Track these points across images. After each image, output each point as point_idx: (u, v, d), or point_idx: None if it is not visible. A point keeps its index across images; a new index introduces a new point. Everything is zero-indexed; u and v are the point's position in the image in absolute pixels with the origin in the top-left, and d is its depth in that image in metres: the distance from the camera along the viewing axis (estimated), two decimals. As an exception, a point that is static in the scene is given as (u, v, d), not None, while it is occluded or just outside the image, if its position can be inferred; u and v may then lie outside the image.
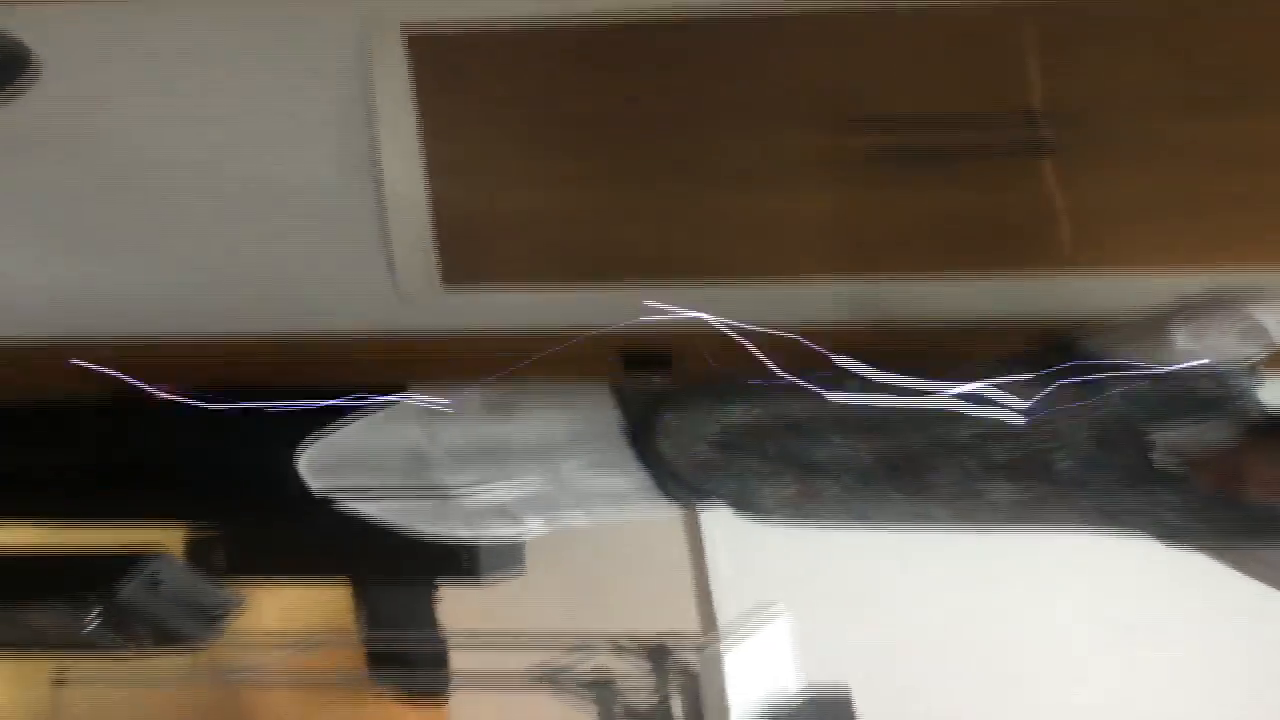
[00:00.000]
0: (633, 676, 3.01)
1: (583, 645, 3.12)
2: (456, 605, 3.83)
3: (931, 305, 1.66)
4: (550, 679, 2.97)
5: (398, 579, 3.55)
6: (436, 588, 3.79)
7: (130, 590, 2.17)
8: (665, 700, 2.98)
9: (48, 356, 2.03)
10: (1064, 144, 1.58)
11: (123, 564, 2.17)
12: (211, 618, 2.35)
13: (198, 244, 2.03)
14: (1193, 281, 1.69)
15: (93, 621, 2.19)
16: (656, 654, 3.02)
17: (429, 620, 3.85)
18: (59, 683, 3.00)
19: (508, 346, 1.77)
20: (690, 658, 2.91)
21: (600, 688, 2.96)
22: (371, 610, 3.78)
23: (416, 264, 1.78)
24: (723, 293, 1.74)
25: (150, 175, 2.05)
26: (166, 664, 3.08)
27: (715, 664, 2.80)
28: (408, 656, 3.87)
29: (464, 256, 1.77)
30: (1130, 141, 1.60)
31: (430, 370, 1.86)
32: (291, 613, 3.56)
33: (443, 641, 3.82)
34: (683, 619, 3.03)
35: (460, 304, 1.80)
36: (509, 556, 3.09)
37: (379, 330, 1.89)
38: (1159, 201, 1.61)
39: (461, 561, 2.92)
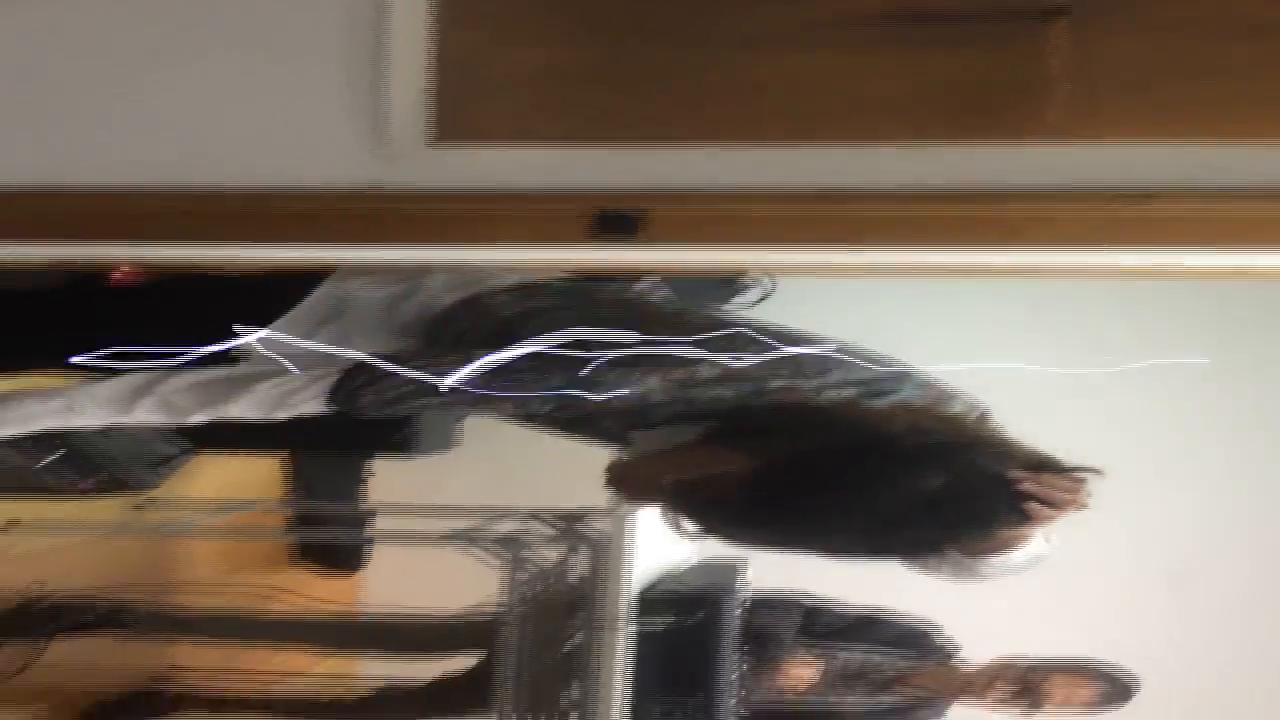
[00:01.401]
0: (543, 539, 3.04)
1: (499, 514, 3.11)
2: (384, 478, 3.86)
3: (931, 173, 1.66)
4: (462, 538, 2.98)
5: (334, 451, 3.54)
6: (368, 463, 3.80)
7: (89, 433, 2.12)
8: (569, 559, 3.02)
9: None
10: (1079, 7, 1.58)
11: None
12: (158, 466, 2.32)
13: (168, 76, 1.84)
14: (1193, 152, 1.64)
15: (48, 461, 2.15)
16: (568, 521, 3.05)
17: (355, 493, 3.84)
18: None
19: (494, 206, 1.74)
20: (600, 525, 2.94)
21: (510, 546, 2.97)
22: (303, 480, 3.76)
23: (407, 118, 1.72)
24: (718, 156, 1.71)
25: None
26: (104, 514, 3.06)
27: (621, 530, 2.84)
28: (328, 527, 3.85)
29: (457, 112, 1.71)
30: (1149, 5, 1.59)
31: (413, 230, 1.82)
32: (227, 475, 3.52)
33: (364, 513, 3.82)
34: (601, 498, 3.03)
35: (448, 161, 1.74)
36: (442, 434, 3.10)
37: (360, 186, 1.78)
38: (1175, 69, 1.60)
39: (395, 437, 2.93)
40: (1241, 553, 4.17)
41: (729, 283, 3.34)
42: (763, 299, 3.30)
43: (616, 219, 1.70)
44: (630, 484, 2.03)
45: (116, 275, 2.94)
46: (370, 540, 4.01)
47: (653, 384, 1.81)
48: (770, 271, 3.16)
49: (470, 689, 3.26)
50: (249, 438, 2.72)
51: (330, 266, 2.01)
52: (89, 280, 2.95)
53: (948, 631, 3.26)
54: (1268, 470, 4.16)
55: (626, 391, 1.81)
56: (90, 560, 3.20)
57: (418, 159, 1.75)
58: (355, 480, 3.80)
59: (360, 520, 3.85)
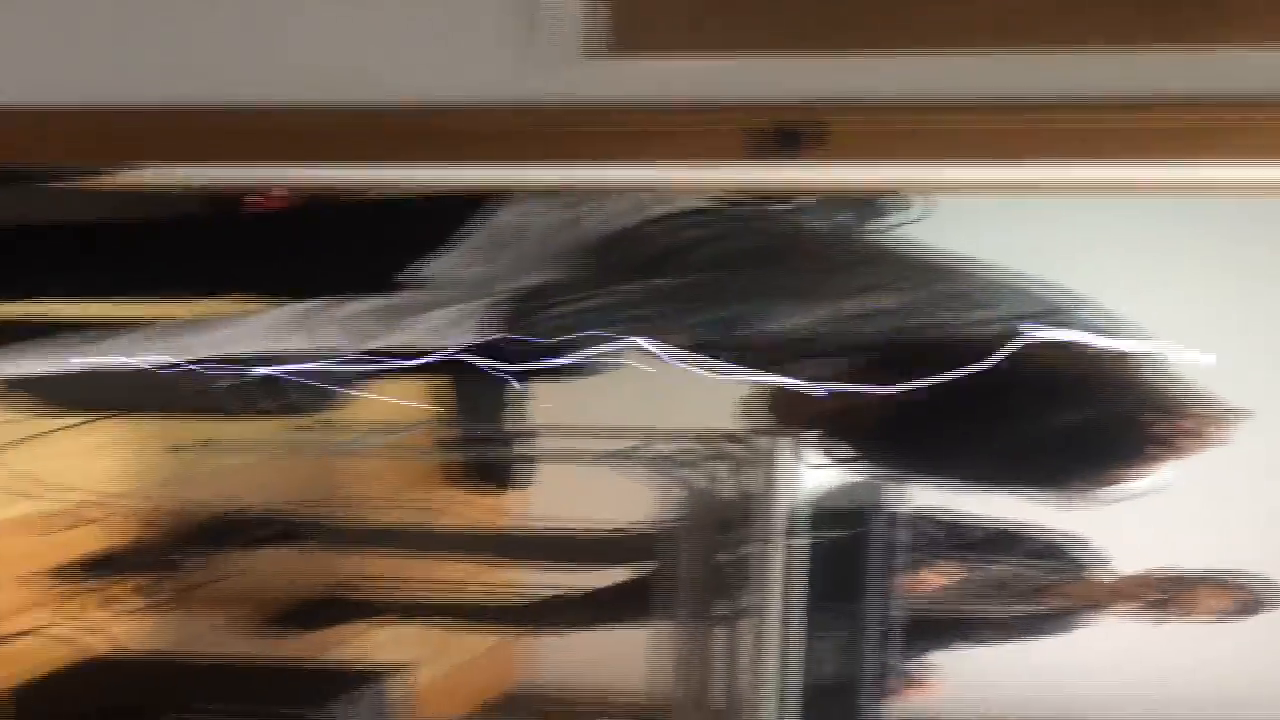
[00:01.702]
0: (701, 458, 3.06)
1: (657, 435, 3.16)
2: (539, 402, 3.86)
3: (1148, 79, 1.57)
4: (624, 457, 3.01)
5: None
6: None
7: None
8: (728, 477, 3.04)
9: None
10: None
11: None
12: (345, 383, 2.36)
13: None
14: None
15: (234, 383, 2.20)
16: (726, 441, 3.07)
17: (512, 415, 3.89)
18: (176, 449, 3.07)
19: (654, 121, 1.71)
20: (758, 446, 2.96)
21: (669, 465, 3.01)
22: (462, 402, 3.82)
23: (566, 29, 1.64)
24: (896, 63, 1.63)
25: None
26: (280, 435, 3.16)
27: (782, 450, 2.86)
28: (488, 447, 3.92)
29: (620, 21, 1.62)
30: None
31: (573, 148, 1.78)
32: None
33: (523, 434, 3.88)
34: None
35: (609, 73, 1.65)
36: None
37: (516, 101, 1.70)
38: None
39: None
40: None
41: (874, 204, 3.28)
42: (914, 221, 3.24)
43: (785, 135, 1.67)
44: (786, 412, 2.00)
45: (259, 201, 3.00)
46: (533, 460, 4.06)
47: (816, 316, 1.77)
48: (936, 190, 3.10)
49: (636, 598, 3.34)
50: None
51: (490, 190, 1.99)
52: (231, 206, 3.03)
53: (1093, 544, 3.28)
54: None
55: (789, 324, 1.78)
56: (270, 479, 3.32)
57: (579, 71, 1.67)
58: (511, 403, 3.85)
59: (518, 440, 3.92)
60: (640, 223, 1.92)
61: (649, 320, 1.76)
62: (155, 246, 2.06)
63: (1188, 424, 1.80)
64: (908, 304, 1.77)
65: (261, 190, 2.92)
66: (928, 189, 2.92)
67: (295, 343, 1.87)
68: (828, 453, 2.05)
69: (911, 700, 3.23)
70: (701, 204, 1.94)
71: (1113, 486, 1.92)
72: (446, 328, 1.83)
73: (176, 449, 3.07)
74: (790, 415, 2.03)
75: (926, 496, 3.14)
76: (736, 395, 2.42)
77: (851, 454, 2.01)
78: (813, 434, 2.05)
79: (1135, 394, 1.82)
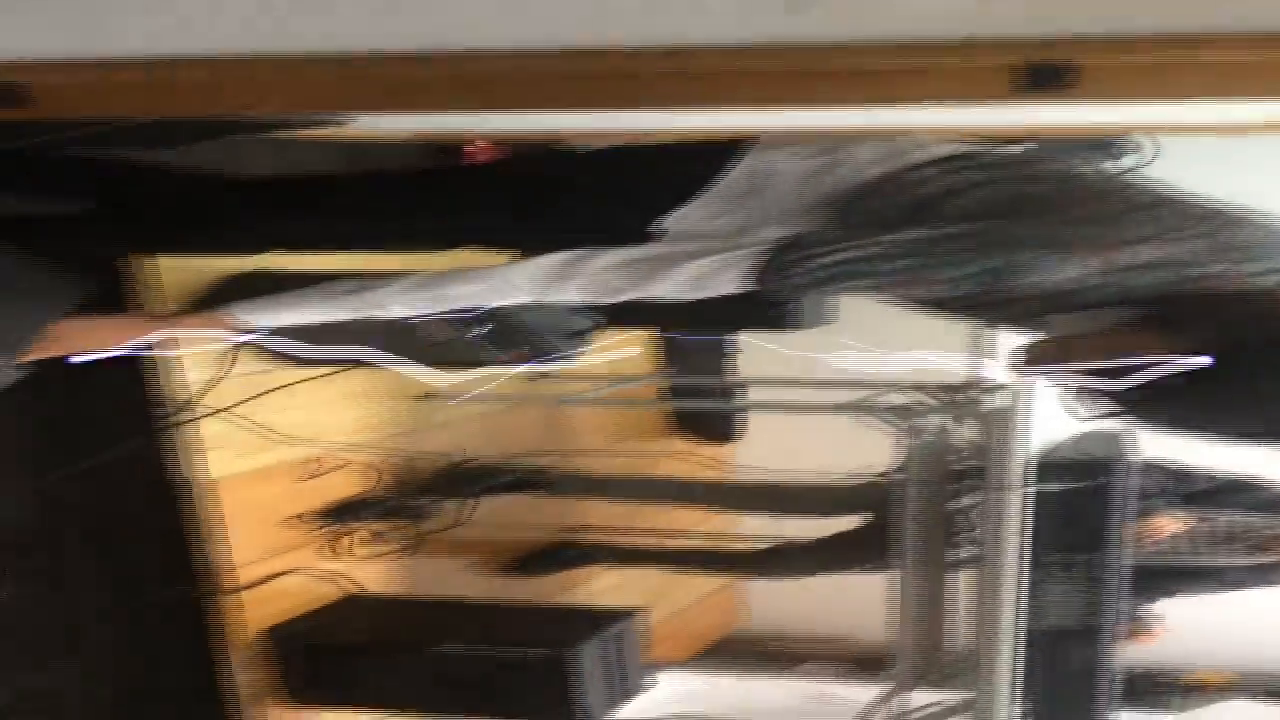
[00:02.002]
0: (928, 410, 2.99)
1: (879, 386, 3.09)
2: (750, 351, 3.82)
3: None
4: (855, 408, 2.95)
5: (717, 327, 3.53)
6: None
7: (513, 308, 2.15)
8: (956, 428, 2.96)
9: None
10: None
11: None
12: (579, 336, 2.35)
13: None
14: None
15: (477, 334, 2.20)
16: (952, 393, 2.99)
17: (724, 366, 3.84)
18: (425, 397, 3.11)
19: (906, 58, 1.62)
20: (988, 397, 2.87)
21: (901, 415, 2.93)
22: (676, 354, 3.79)
23: None
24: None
25: None
26: (510, 385, 3.18)
27: (1018, 401, 2.80)
28: (707, 399, 3.87)
29: None
30: None
31: (824, 88, 1.70)
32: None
33: (739, 385, 3.83)
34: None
35: (858, 9, 1.57)
36: (820, 310, 3.04)
37: (765, 41, 1.61)
38: None
39: (776, 313, 2.88)
40: None
41: (1104, 146, 3.11)
42: (1147, 164, 3.07)
43: (1040, 71, 1.57)
44: (1045, 365, 1.88)
45: (474, 151, 2.98)
46: (748, 410, 4.01)
47: (1088, 267, 1.65)
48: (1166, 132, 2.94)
49: (865, 546, 3.32)
50: (647, 314, 2.72)
51: (739, 137, 1.90)
52: (454, 156, 3.01)
53: None
54: None
55: (1057, 276, 1.66)
56: (500, 428, 3.35)
57: (827, 7, 1.57)
58: (724, 354, 3.80)
59: (734, 392, 3.86)
60: (898, 169, 1.80)
61: (909, 273, 1.67)
62: (392, 197, 2.03)
63: None
64: (1187, 255, 1.64)
65: (471, 141, 2.91)
66: (1181, 129, 2.76)
67: (553, 294, 1.82)
68: (1082, 407, 1.93)
69: (1137, 646, 3.20)
70: (962, 149, 1.82)
71: None
72: (705, 279, 1.76)
73: (414, 399, 3.11)
74: (1045, 363, 1.91)
75: (1156, 446, 3.03)
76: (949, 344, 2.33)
77: (1119, 407, 1.89)
78: (1081, 386, 1.93)
79: None
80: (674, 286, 1.77)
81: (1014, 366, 1.88)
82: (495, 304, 1.89)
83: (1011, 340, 1.87)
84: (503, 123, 1.99)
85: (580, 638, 2.73)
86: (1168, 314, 1.67)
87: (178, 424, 2.45)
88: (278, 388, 2.49)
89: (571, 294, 1.81)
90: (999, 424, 2.86)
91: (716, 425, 4.03)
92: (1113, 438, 2.94)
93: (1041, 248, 1.63)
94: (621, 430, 3.92)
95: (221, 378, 2.19)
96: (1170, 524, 3.07)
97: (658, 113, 1.97)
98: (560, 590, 3.76)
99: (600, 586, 3.88)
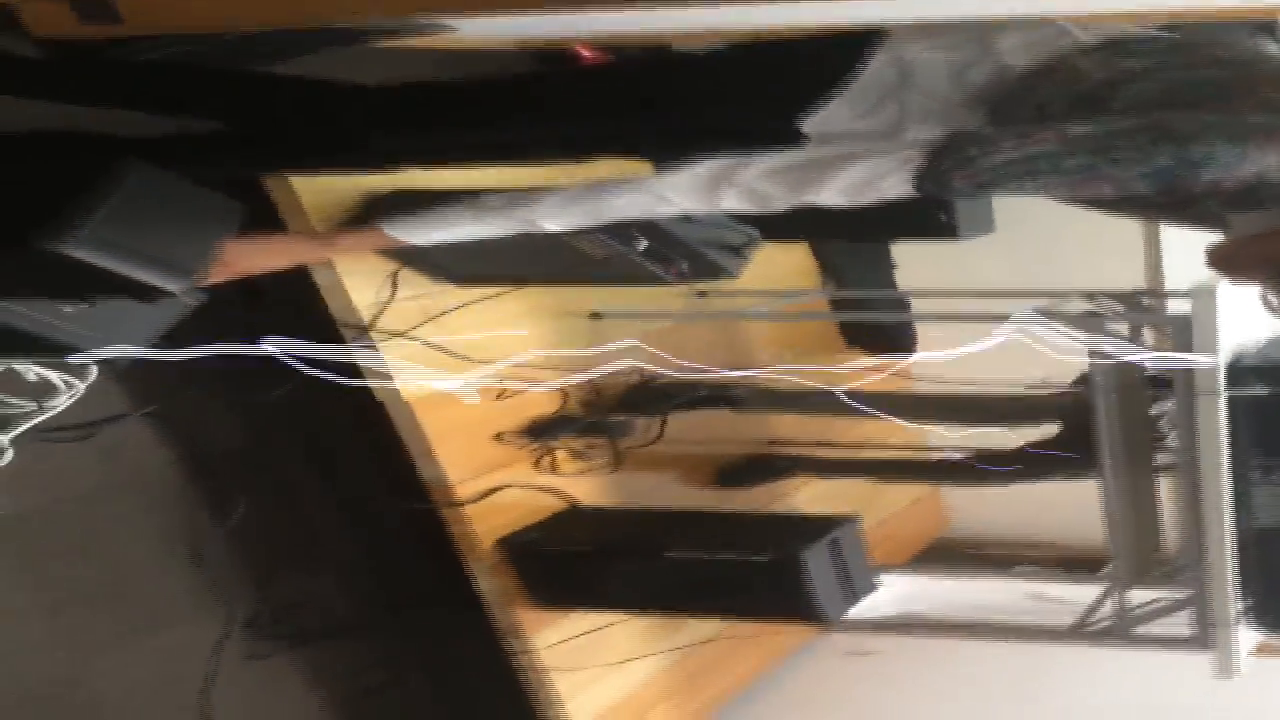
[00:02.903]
0: (1111, 317, 2.80)
1: (1052, 296, 2.93)
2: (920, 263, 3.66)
3: None
4: (1037, 318, 2.79)
5: (872, 237, 3.36)
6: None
7: (667, 223, 2.08)
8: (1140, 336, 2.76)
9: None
10: None
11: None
12: (737, 250, 2.25)
13: None
14: None
15: (638, 250, 2.13)
16: (1129, 300, 2.79)
17: (887, 279, 3.66)
18: (595, 315, 3.08)
19: None
20: (1172, 305, 2.67)
21: (1085, 324, 2.75)
22: (832, 269, 3.63)
23: None
24: None
25: None
26: (675, 302, 3.12)
27: (1207, 305, 2.61)
28: (883, 311, 3.72)
29: None
30: None
31: None
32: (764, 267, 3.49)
33: (905, 297, 3.65)
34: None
35: None
36: (982, 217, 2.86)
37: None
38: None
39: (939, 220, 2.71)
40: None
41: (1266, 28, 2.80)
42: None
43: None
44: (1235, 264, 1.69)
45: (586, 53, 2.83)
46: (922, 321, 3.81)
47: (1269, 159, 1.44)
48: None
49: (1063, 454, 3.16)
50: (807, 225, 2.60)
51: (880, 26, 1.75)
52: (565, 61, 2.84)
53: None
54: None
55: (1243, 170, 1.48)
56: (676, 346, 3.27)
57: None
58: (884, 267, 3.62)
59: (902, 304, 3.71)
60: (1048, 60, 1.64)
61: (1080, 173, 1.50)
62: (517, 102, 1.92)
63: None
64: None
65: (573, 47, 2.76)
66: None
67: (708, 204, 1.72)
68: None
69: None
70: (1115, 34, 1.64)
71: None
72: (866, 184, 1.62)
73: (590, 318, 3.07)
74: (1241, 268, 1.72)
75: None
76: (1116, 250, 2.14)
77: None
78: (1271, 284, 1.74)
79: None
80: (833, 194, 1.64)
81: (1208, 265, 1.70)
82: (651, 216, 1.80)
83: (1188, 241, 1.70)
84: (606, 23, 1.87)
85: (807, 541, 2.73)
86: None
87: (361, 345, 2.45)
88: (448, 311, 2.47)
89: (728, 203, 1.71)
90: (1183, 331, 2.69)
91: (893, 338, 3.86)
92: None
93: (1218, 139, 1.43)
94: (797, 346, 3.78)
95: (389, 300, 2.19)
96: None
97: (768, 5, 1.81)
98: (768, 502, 3.69)
99: (804, 498, 3.79)
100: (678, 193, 1.71)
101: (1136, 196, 1.52)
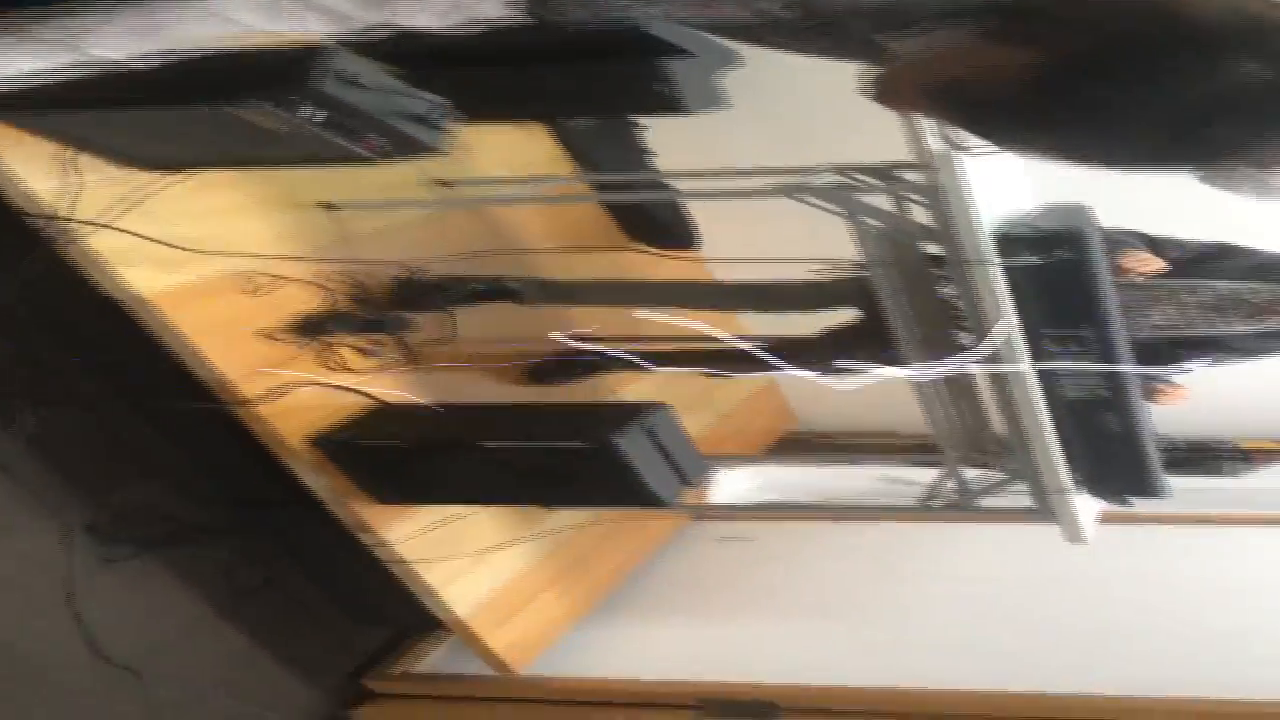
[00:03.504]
0: (869, 191, 2.65)
1: (811, 171, 2.78)
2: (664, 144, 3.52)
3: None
4: (788, 190, 2.63)
5: (593, 115, 3.19)
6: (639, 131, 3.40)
7: (328, 83, 1.90)
8: (905, 209, 2.63)
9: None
10: None
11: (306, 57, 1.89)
12: (426, 120, 2.08)
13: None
14: None
15: (313, 121, 1.95)
16: (883, 174, 2.64)
17: (642, 164, 3.49)
18: (329, 206, 2.89)
19: None
20: (924, 176, 2.52)
21: (842, 199, 2.61)
22: (581, 155, 3.46)
23: None
24: None
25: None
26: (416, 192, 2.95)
27: (952, 170, 2.48)
28: (642, 193, 3.57)
29: None
30: None
31: None
32: (512, 156, 3.27)
33: (663, 180, 3.48)
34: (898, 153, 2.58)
35: None
36: (704, 89, 2.71)
37: None
38: None
39: (653, 93, 2.56)
40: None
41: None
42: None
43: None
44: (896, 94, 1.56)
45: None
46: (700, 200, 3.65)
47: None
48: None
49: (866, 338, 3.05)
50: (498, 100, 2.46)
51: None
52: None
53: None
54: None
55: None
56: (431, 238, 3.11)
57: None
58: (636, 151, 3.44)
59: (663, 188, 3.55)
60: None
61: None
62: None
63: None
64: None
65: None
66: None
67: (286, 22, 1.54)
68: (953, 140, 1.60)
69: (1167, 408, 2.95)
70: None
71: None
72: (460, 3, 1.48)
73: (323, 208, 2.89)
74: (903, 98, 1.58)
75: (1124, 215, 2.78)
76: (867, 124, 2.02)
77: (979, 136, 1.57)
78: (933, 114, 1.60)
79: None
80: (421, 12, 1.47)
81: (869, 97, 1.56)
82: (219, 40, 1.62)
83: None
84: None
85: (619, 426, 2.68)
86: (1010, 21, 1.34)
87: (62, 238, 2.27)
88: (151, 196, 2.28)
89: (303, 23, 1.53)
90: (939, 202, 2.57)
91: (673, 230, 3.71)
92: (1072, 210, 2.68)
93: None
94: (571, 238, 3.63)
95: (79, 187, 2.02)
96: (1142, 263, 2.79)
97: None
98: (591, 397, 3.59)
99: (635, 391, 3.68)
100: (242, 10, 1.54)
101: (775, 20, 1.38)
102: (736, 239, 3.21)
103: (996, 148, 1.58)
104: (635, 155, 3.49)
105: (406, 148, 2.10)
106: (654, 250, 3.53)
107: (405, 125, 2.04)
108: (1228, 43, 1.34)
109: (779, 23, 1.43)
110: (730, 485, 4.26)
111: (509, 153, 3.35)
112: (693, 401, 3.92)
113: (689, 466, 2.84)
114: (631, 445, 2.67)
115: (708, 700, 3.33)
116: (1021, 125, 1.49)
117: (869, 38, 1.47)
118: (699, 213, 3.88)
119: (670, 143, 3.58)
